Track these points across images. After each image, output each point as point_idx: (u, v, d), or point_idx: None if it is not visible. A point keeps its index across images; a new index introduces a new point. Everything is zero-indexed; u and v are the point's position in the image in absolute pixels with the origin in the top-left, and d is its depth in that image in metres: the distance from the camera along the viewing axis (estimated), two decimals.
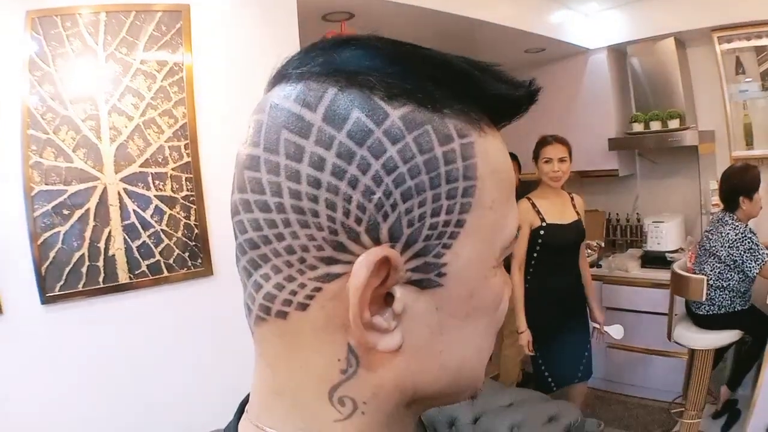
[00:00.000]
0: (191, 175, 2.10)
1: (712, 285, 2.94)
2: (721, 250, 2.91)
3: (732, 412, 3.30)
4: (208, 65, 2.14)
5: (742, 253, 2.84)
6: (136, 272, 2.00)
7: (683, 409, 3.09)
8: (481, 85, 0.38)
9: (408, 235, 0.35)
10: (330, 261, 0.36)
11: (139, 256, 2.00)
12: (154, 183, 2.03)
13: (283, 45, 2.30)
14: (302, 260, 0.36)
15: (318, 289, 0.36)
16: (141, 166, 2.00)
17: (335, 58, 0.37)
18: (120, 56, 1.96)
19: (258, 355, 0.42)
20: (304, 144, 0.35)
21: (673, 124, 3.87)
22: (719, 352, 3.12)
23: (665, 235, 3.89)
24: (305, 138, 0.35)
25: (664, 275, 3.54)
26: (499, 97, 0.39)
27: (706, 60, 3.87)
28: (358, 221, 0.35)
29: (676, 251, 3.89)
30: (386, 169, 0.34)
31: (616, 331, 3.04)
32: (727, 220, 2.95)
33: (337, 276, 0.36)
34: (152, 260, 2.03)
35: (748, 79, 3.71)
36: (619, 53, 4.28)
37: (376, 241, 0.35)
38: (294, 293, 0.37)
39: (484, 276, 0.40)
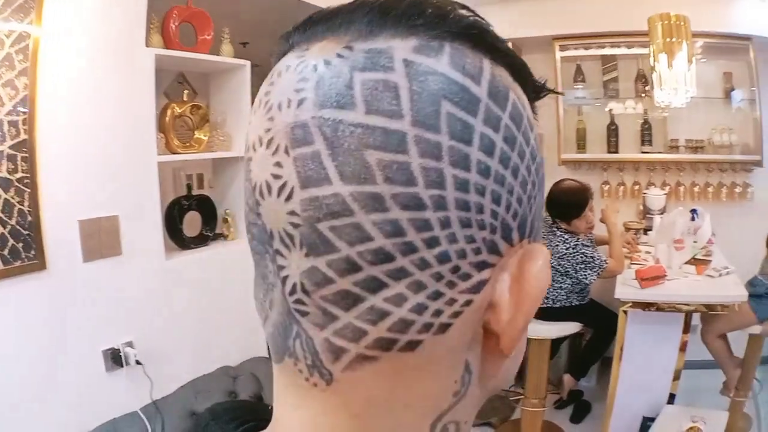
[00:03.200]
0: (27, 155, 1.93)
1: None
2: (551, 259, 3.13)
3: (579, 404, 3.56)
4: (58, 34, 1.98)
5: (574, 265, 3.02)
6: None
7: (522, 396, 3.24)
8: (532, 76, 0.37)
9: (537, 228, 0.35)
10: (482, 266, 0.32)
11: None
12: None
13: (134, 22, 2.21)
14: (456, 269, 0.31)
15: (468, 303, 0.32)
16: None
17: (458, 18, 0.32)
18: None
19: (330, 407, 0.34)
20: (472, 122, 0.30)
21: None
22: (556, 342, 3.30)
23: None
24: (473, 116, 0.30)
25: None
26: (540, 89, 0.38)
27: (544, 66, 4.12)
28: (515, 216, 0.32)
29: None
30: (532, 157, 0.33)
31: None
32: (555, 231, 3.12)
33: (485, 283, 0.32)
34: None
35: (578, 86, 4.10)
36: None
37: (522, 237, 0.33)
38: (439, 313, 0.31)
39: None
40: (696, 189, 4.17)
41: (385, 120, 0.29)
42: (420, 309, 0.31)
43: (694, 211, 3.52)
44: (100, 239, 2.07)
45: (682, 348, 2.94)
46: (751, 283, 3.20)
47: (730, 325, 3.24)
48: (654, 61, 3.41)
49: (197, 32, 2.53)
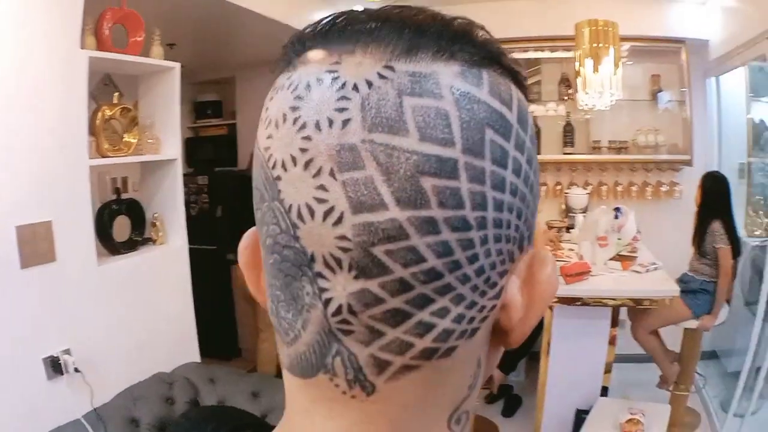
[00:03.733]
0: None
1: None
2: None
3: (510, 398, 3.76)
4: None
5: None
6: None
7: None
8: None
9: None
10: (504, 273, 0.36)
11: None
12: None
13: (69, 24, 2.23)
14: (487, 280, 0.35)
15: (493, 308, 0.36)
16: None
17: (486, 42, 0.36)
18: None
19: (368, 415, 0.36)
20: (507, 147, 0.34)
21: None
22: None
23: None
24: (508, 141, 0.34)
25: None
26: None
27: None
28: (528, 227, 0.37)
29: None
30: (537, 170, 0.38)
31: None
32: None
33: (503, 288, 0.36)
34: None
35: None
36: None
37: (528, 244, 0.38)
38: (472, 320, 0.35)
39: None
40: (619, 188, 4.45)
41: (439, 148, 0.31)
42: (459, 319, 0.34)
43: (617, 209, 3.72)
44: (36, 245, 2.10)
45: (612, 342, 3.12)
46: (681, 280, 3.43)
47: (661, 320, 3.46)
48: (579, 65, 3.59)
49: (129, 34, 2.58)
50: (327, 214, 0.31)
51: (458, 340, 0.35)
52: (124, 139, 2.63)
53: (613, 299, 2.97)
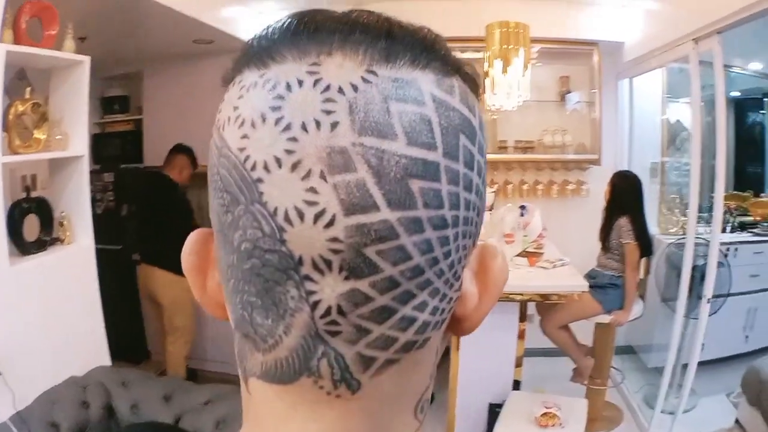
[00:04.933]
0: None
1: None
2: None
3: None
4: None
5: None
6: None
7: None
8: None
9: None
10: (464, 266, 0.41)
11: None
12: None
13: None
14: (455, 273, 0.40)
15: (457, 299, 0.41)
16: None
17: (449, 53, 0.40)
18: None
19: (350, 411, 0.40)
20: (474, 151, 0.39)
21: None
22: None
23: None
24: (474, 145, 0.39)
25: None
26: None
27: None
28: (481, 222, 0.43)
29: None
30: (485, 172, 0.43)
31: None
32: None
33: (461, 279, 0.42)
34: None
35: None
36: None
37: (478, 238, 0.43)
38: (443, 312, 0.40)
39: None
40: (525, 187, 4.83)
41: (424, 152, 0.35)
42: (435, 311, 0.39)
43: (523, 207, 3.99)
44: None
45: (521, 336, 3.40)
46: (590, 275, 3.76)
47: (571, 315, 3.79)
48: (488, 66, 3.83)
49: (44, 27, 2.71)
50: (318, 216, 0.34)
51: (432, 330, 0.40)
52: (34, 136, 2.75)
53: (521, 294, 3.23)
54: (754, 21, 2.93)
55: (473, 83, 0.42)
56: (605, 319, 3.81)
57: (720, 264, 3.65)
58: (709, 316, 3.56)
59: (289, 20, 0.39)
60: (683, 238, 4.20)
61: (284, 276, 0.36)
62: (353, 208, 0.34)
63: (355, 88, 0.35)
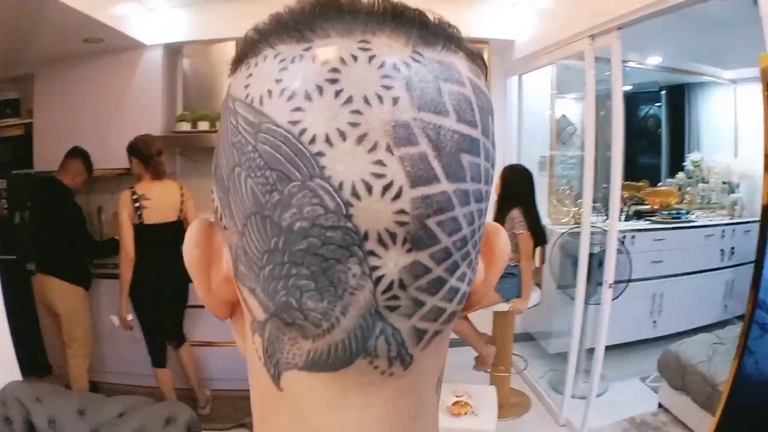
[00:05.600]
0: None
1: None
2: None
3: None
4: None
5: None
6: None
7: None
8: None
9: None
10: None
11: None
12: None
13: None
14: (478, 245, 0.42)
15: (476, 263, 0.43)
16: None
17: (463, 38, 0.42)
18: None
19: (402, 388, 0.41)
20: (494, 130, 0.42)
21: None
22: None
23: None
24: (493, 124, 0.42)
25: None
26: None
27: None
28: None
29: None
30: None
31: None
32: None
33: None
34: None
35: None
36: (174, 52, 4.87)
37: None
38: (470, 282, 0.42)
39: None
40: None
41: (469, 128, 0.38)
42: (469, 282, 0.41)
43: None
44: None
45: None
46: None
47: None
48: None
49: None
50: (386, 189, 0.34)
51: (463, 302, 0.41)
52: None
53: None
54: (652, 18, 3.08)
55: (486, 70, 0.43)
56: (504, 307, 3.92)
57: (618, 251, 3.77)
58: (612, 300, 3.68)
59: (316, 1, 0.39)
60: (576, 227, 4.36)
61: (347, 253, 0.35)
62: (418, 180, 0.35)
63: (408, 66, 0.36)
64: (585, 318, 4.09)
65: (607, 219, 3.79)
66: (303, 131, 0.35)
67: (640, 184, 6.12)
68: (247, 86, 0.38)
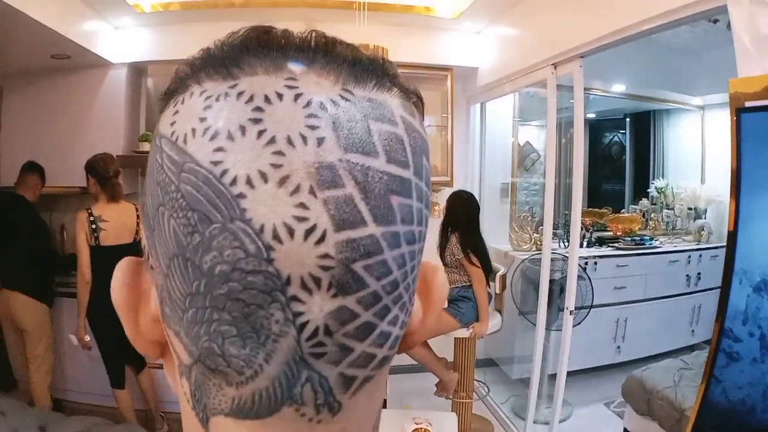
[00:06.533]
0: None
1: None
2: None
3: None
4: None
5: None
6: None
7: None
8: None
9: None
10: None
11: None
12: None
13: None
14: (413, 288, 0.41)
15: (411, 305, 0.42)
16: None
17: (399, 75, 0.41)
18: None
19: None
20: (429, 169, 0.41)
21: None
22: None
23: None
24: (429, 165, 0.42)
25: None
26: None
27: None
28: None
29: None
30: None
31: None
32: None
33: None
34: None
35: None
36: (138, 71, 4.90)
37: None
38: (404, 325, 0.41)
39: None
40: None
41: (400, 169, 0.37)
42: (402, 325, 0.40)
43: None
44: None
45: None
46: None
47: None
48: None
49: None
50: (309, 232, 0.33)
51: (397, 345, 0.40)
52: None
53: None
54: (616, 47, 3.14)
55: (422, 107, 0.43)
56: (464, 333, 3.92)
57: (580, 277, 3.81)
58: (573, 327, 3.68)
59: (254, 33, 0.38)
60: (537, 253, 4.38)
61: (268, 298, 0.34)
62: (343, 224, 0.34)
63: (335, 105, 0.35)
64: (547, 344, 4.10)
65: (568, 245, 3.81)
66: (224, 172, 0.34)
67: (603, 210, 6.19)
68: (173, 123, 0.37)
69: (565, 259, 3.94)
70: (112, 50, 4.61)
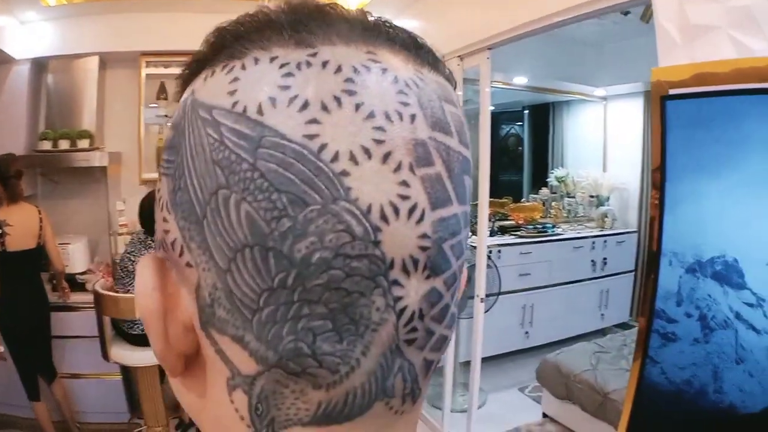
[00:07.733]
0: None
1: None
2: None
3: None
4: None
5: None
6: None
7: (145, 426, 3.65)
8: None
9: None
10: None
11: None
12: None
13: None
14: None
15: None
16: None
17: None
18: None
19: (409, 424, 0.39)
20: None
21: (83, 144, 4.46)
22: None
23: (72, 256, 4.43)
24: None
25: (83, 297, 4.15)
26: None
27: (128, 82, 4.72)
28: None
29: (84, 273, 4.50)
30: None
31: None
32: (149, 243, 3.50)
33: None
34: None
35: (153, 105, 4.74)
36: (40, 67, 4.69)
37: None
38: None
39: None
40: None
41: (466, 150, 0.37)
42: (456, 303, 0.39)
43: None
44: None
45: None
46: None
47: None
48: None
49: None
50: (411, 211, 0.32)
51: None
52: None
53: None
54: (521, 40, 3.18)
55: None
56: None
57: (487, 266, 3.84)
58: (484, 313, 3.70)
59: (311, 3, 0.36)
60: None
61: (372, 284, 0.32)
62: (437, 202, 0.33)
63: (415, 84, 0.34)
64: (458, 332, 4.12)
65: (475, 235, 3.87)
66: (323, 147, 0.31)
67: (504, 200, 6.31)
68: (233, 92, 0.33)
69: (472, 248, 3.97)
70: (16, 45, 4.41)
